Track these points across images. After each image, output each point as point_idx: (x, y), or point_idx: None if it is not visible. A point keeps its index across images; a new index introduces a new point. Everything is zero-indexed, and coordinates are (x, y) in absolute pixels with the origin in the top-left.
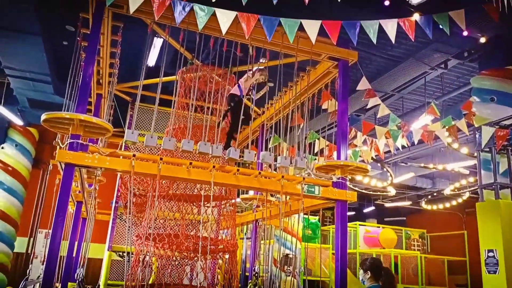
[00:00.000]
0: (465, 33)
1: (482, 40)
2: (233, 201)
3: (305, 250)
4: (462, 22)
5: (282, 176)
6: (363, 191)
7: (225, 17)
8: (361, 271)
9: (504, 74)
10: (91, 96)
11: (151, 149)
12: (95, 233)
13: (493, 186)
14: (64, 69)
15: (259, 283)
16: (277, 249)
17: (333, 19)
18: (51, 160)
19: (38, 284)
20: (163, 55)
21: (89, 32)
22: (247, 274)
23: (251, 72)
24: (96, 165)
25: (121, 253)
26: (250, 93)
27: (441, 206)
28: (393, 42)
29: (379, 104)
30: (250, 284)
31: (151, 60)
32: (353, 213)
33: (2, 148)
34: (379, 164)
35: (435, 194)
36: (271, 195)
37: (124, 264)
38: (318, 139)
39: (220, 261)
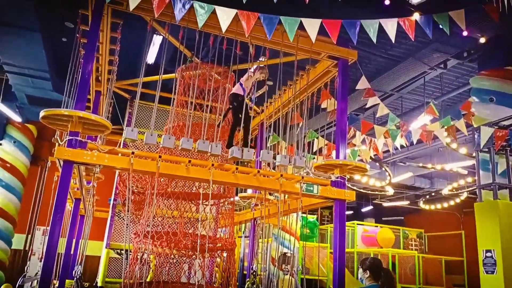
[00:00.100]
0: (465, 33)
1: (482, 40)
2: (231, 199)
3: (303, 249)
4: (462, 22)
5: (281, 175)
6: (362, 190)
7: (225, 15)
8: (361, 269)
9: (504, 74)
10: (90, 93)
11: (149, 146)
12: (93, 230)
13: (492, 187)
14: (63, 66)
15: (257, 281)
16: (275, 247)
17: (333, 18)
18: (49, 157)
19: (36, 281)
20: (162, 52)
21: (88, 29)
22: (245, 272)
23: (251, 70)
24: (95, 162)
25: (119, 251)
26: (250, 92)
27: (439, 206)
28: (393, 41)
29: (378, 103)
30: (248, 282)
31: (151, 57)
32: (351, 212)
33: (0, 144)
34: (377, 164)
35: (433, 194)
36: (270, 194)
37: (122, 261)
38: (317, 138)
39: (218, 259)
